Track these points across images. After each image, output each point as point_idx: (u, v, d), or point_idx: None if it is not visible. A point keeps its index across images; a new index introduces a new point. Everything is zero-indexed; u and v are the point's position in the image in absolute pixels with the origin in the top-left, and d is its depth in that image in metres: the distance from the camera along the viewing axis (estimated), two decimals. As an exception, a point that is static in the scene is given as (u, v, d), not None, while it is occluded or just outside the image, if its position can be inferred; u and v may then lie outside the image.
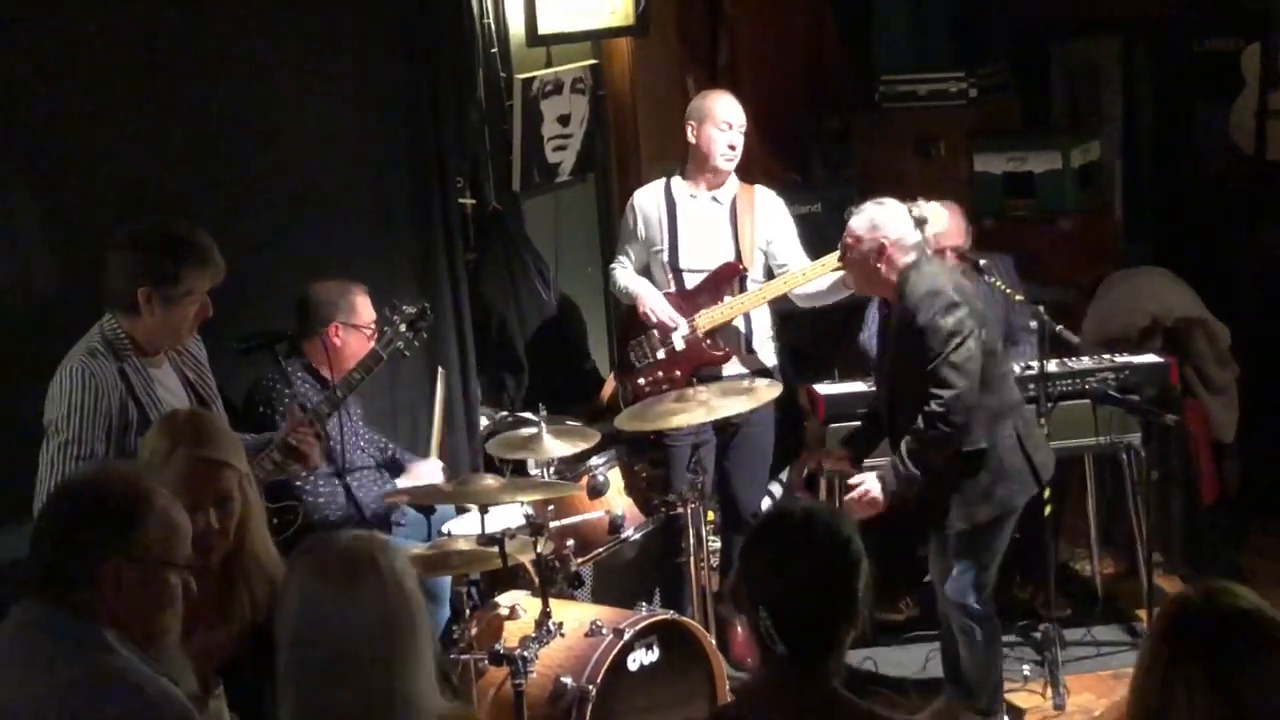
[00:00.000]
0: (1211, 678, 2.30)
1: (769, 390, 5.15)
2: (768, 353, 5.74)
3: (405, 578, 2.61)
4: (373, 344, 4.79)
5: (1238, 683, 2.29)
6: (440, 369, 5.71)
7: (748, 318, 5.65)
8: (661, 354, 5.66)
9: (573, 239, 6.90)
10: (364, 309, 5.09)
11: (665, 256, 5.67)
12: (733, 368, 5.62)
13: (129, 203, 4.76)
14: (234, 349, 4.28)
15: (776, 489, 7.05)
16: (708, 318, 5.61)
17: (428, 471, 5.24)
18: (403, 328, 4.73)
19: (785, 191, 6.97)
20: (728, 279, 5.62)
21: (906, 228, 4.84)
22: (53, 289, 4.58)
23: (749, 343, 5.68)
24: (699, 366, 5.59)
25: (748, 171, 7.41)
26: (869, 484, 4.81)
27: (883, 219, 4.83)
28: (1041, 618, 5.60)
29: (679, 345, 5.62)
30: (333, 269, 5.38)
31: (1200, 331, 6.35)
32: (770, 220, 5.69)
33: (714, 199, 5.69)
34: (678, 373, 5.55)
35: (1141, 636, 5.78)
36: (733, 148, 5.64)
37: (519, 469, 5.48)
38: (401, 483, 5.17)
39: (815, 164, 7.74)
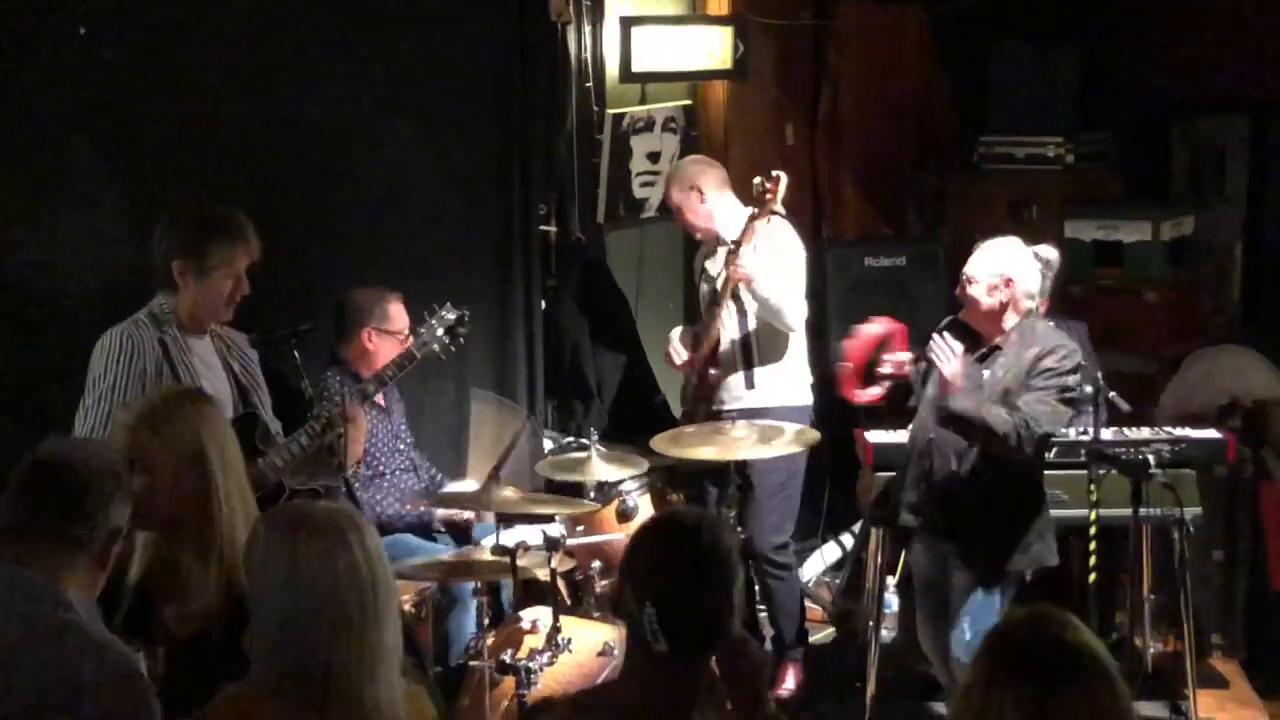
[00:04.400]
0: (1026, 703, 2.30)
1: (753, 443, 5.16)
2: (784, 392, 5.77)
3: (379, 543, 2.80)
4: (403, 349, 4.94)
5: (1050, 711, 2.29)
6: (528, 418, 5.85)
7: (747, 352, 5.71)
8: (691, 390, 5.87)
9: (656, 274, 7.01)
10: (398, 316, 5.24)
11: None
12: (733, 402, 5.71)
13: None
14: (252, 341, 4.45)
15: (833, 551, 7.07)
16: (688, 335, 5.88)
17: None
18: (439, 331, 4.84)
19: (874, 245, 7.06)
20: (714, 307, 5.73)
21: (1032, 269, 4.89)
22: (129, 269, 4.76)
23: (749, 379, 5.73)
24: (704, 394, 5.76)
25: (841, 222, 7.50)
26: (957, 370, 4.75)
27: (1009, 257, 4.88)
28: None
29: (693, 379, 5.81)
30: (412, 283, 5.56)
31: (1280, 413, 6.25)
32: (760, 251, 5.64)
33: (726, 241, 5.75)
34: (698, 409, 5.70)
35: (1187, 716, 5.69)
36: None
37: (578, 493, 5.58)
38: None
39: (911, 219, 7.77)
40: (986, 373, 4.84)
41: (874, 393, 5.17)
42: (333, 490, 4.36)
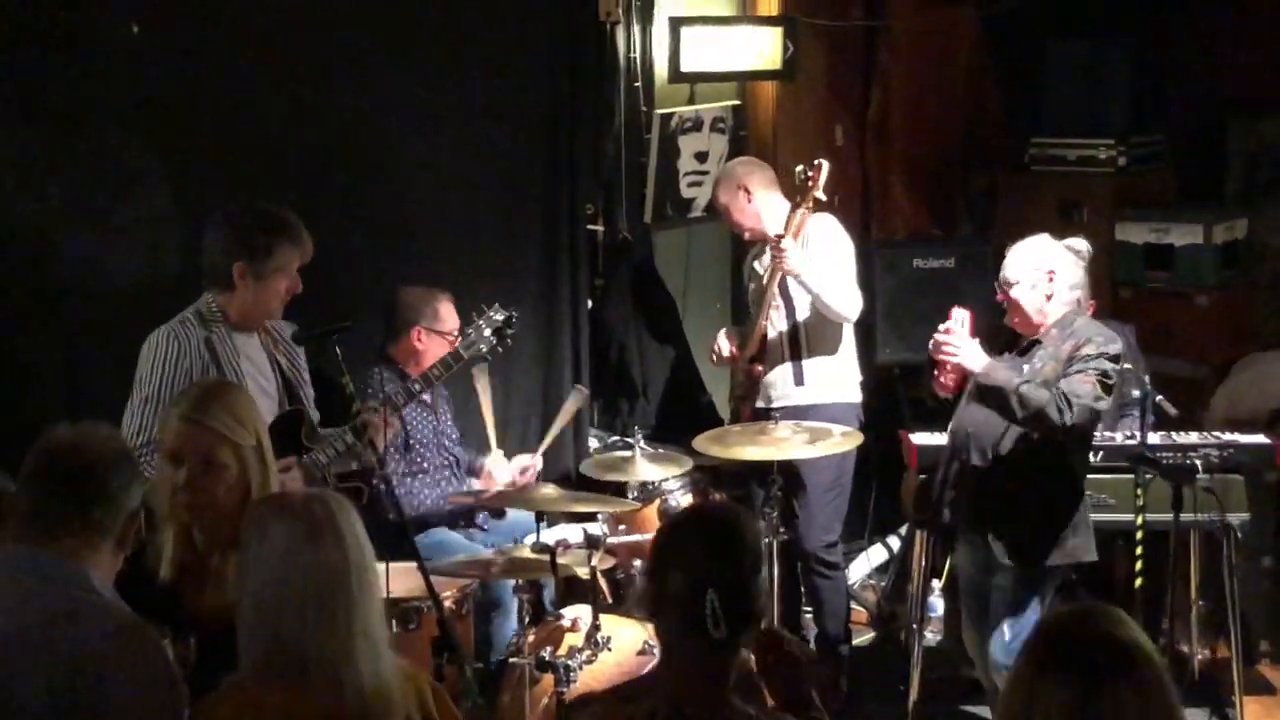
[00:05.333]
0: (1071, 697, 2.28)
1: (794, 442, 5.19)
2: (834, 389, 5.76)
3: (359, 530, 2.86)
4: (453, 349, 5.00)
5: (1096, 706, 2.27)
6: (581, 389, 5.94)
7: (795, 345, 5.70)
8: (739, 388, 5.87)
9: (704, 274, 7.01)
10: (448, 316, 5.29)
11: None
12: (780, 400, 5.70)
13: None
14: (295, 337, 4.49)
15: (880, 552, 7.05)
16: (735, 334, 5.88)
17: (494, 467, 5.40)
18: (487, 332, 4.89)
19: (923, 246, 7.03)
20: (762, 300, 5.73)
21: (1071, 261, 4.89)
22: (179, 265, 4.84)
23: (799, 375, 5.72)
24: (753, 385, 5.77)
25: (890, 222, 7.47)
26: (971, 353, 4.76)
27: (1045, 251, 4.88)
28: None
29: (739, 376, 5.83)
30: (459, 281, 5.60)
31: (1333, 419, 6.18)
32: (809, 244, 5.63)
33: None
34: (744, 406, 5.71)
35: (1232, 723, 5.66)
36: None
37: (620, 491, 5.60)
38: (477, 484, 5.36)
39: (961, 220, 7.74)
40: (1026, 366, 4.83)
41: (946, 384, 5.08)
42: (375, 489, 4.41)
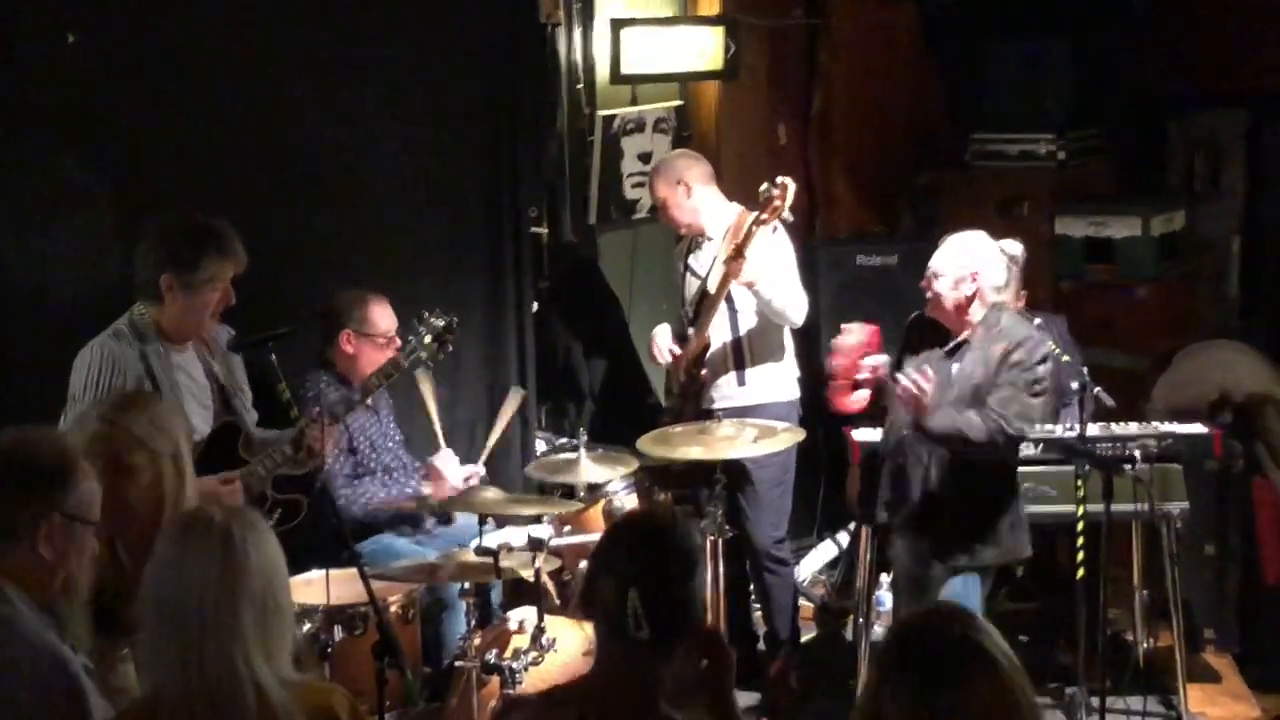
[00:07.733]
0: (913, 699, 2.31)
1: (745, 441, 5.22)
2: (775, 388, 5.78)
3: (265, 554, 2.74)
4: (389, 352, 4.98)
5: (935, 706, 2.30)
6: (518, 389, 5.89)
7: (739, 352, 5.72)
8: (677, 386, 5.87)
9: (650, 275, 7.02)
10: (378, 318, 5.27)
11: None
12: (723, 400, 5.72)
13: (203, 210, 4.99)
14: (230, 345, 4.48)
15: (830, 548, 7.09)
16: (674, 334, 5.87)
17: (444, 465, 5.38)
18: (427, 339, 4.87)
19: (866, 243, 7.08)
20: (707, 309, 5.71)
21: (997, 261, 4.93)
22: (118, 278, 4.74)
23: (741, 378, 5.74)
24: (694, 393, 5.77)
25: (833, 220, 7.51)
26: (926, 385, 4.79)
27: (974, 250, 4.92)
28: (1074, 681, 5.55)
29: (680, 377, 5.82)
30: (403, 286, 5.60)
31: (1272, 408, 6.25)
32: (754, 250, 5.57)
33: (710, 236, 5.77)
34: (686, 407, 5.73)
35: (1177, 711, 5.71)
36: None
37: (569, 494, 5.62)
38: (428, 489, 5.34)
39: (904, 217, 7.79)
40: (955, 366, 4.87)
41: (860, 398, 5.17)
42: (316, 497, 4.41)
